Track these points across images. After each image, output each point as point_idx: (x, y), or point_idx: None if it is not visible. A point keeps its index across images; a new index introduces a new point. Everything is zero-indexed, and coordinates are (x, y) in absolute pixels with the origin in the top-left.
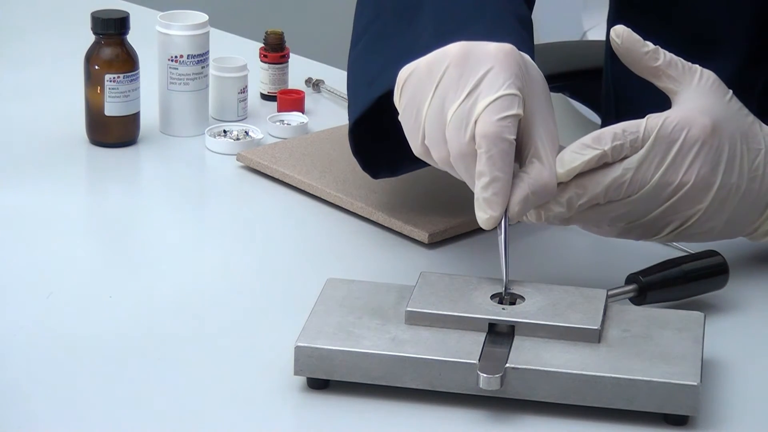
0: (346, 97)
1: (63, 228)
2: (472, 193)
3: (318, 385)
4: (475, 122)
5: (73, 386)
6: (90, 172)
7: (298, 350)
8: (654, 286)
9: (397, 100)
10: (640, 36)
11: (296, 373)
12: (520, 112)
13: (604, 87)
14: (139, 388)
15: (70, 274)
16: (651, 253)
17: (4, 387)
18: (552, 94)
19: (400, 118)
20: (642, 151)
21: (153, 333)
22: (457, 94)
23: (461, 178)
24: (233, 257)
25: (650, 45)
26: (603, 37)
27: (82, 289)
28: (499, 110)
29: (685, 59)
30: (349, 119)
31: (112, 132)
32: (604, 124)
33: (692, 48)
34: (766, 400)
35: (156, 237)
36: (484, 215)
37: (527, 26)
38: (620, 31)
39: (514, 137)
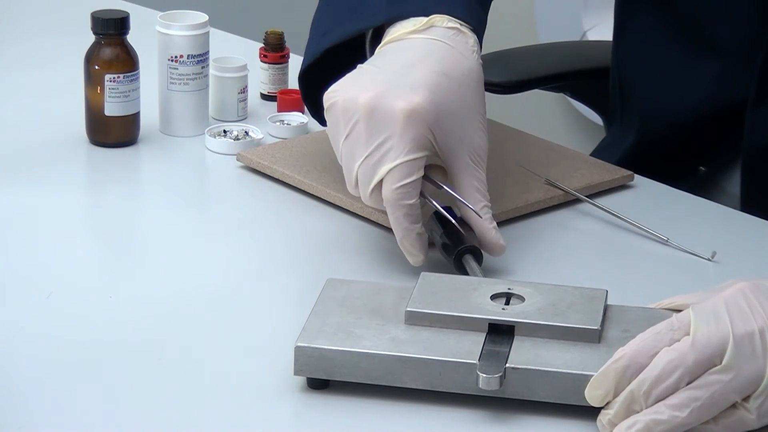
0: None
1: (63, 228)
2: None
3: (318, 385)
4: (378, 182)
5: (73, 386)
6: (90, 172)
7: (298, 350)
8: (468, 239)
9: (326, 117)
10: (644, 36)
11: (296, 373)
12: (420, 173)
13: (610, 86)
14: (139, 388)
15: (70, 274)
16: (649, 252)
17: (4, 387)
18: (552, 94)
19: (327, 131)
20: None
21: (153, 333)
22: (362, 151)
23: None
24: (233, 257)
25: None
26: (603, 37)
27: (82, 289)
28: (398, 178)
29: (683, 55)
30: (301, 66)
31: (112, 132)
32: (608, 124)
33: (691, 44)
34: None
35: (156, 237)
36: (411, 259)
37: None
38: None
39: (414, 200)
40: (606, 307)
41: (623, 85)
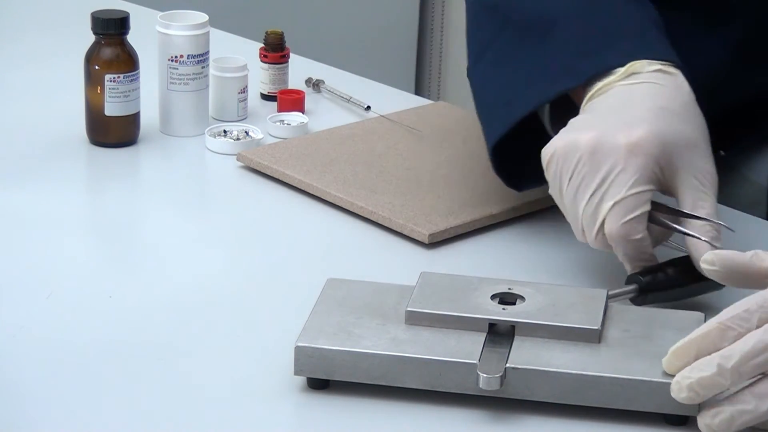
0: (345, 96)
1: (63, 228)
2: (472, 194)
3: (318, 385)
4: (603, 221)
5: (72, 386)
6: (90, 172)
7: (298, 350)
8: (654, 287)
9: (546, 174)
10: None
11: (296, 373)
12: (646, 207)
13: None
14: (139, 388)
15: (70, 274)
16: None
17: (4, 387)
18: None
19: (549, 191)
20: None
21: (153, 333)
22: (587, 190)
23: None
24: (233, 257)
25: (747, 253)
26: None
27: (82, 289)
28: (624, 213)
29: (695, 27)
30: (487, 139)
31: (112, 132)
32: None
33: (702, 14)
34: None
35: (156, 237)
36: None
37: (661, 27)
38: (711, 258)
39: (641, 234)
40: (606, 307)
41: None
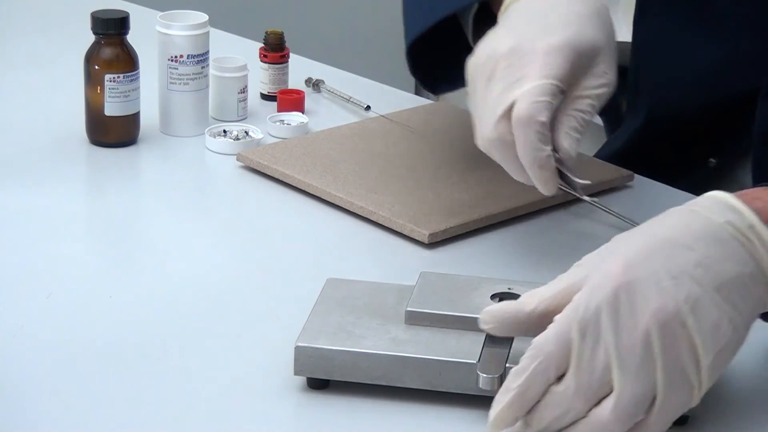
0: (345, 96)
1: (63, 228)
2: (472, 194)
3: (318, 385)
4: (510, 106)
5: (72, 386)
6: (90, 172)
7: (298, 350)
8: None
9: (468, 84)
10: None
11: (296, 373)
12: (555, 100)
13: (628, 78)
14: (139, 388)
15: (70, 274)
16: None
17: (4, 387)
18: None
19: (468, 103)
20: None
21: (153, 333)
22: (501, 84)
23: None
24: (233, 257)
25: (515, 301)
26: None
27: (82, 289)
28: (533, 95)
29: (695, 36)
30: (406, 39)
31: (112, 132)
32: (609, 125)
33: (696, 15)
34: (765, 399)
35: (156, 237)
36: (542, 187)
37: None
38: (485, 317)
39: (546, 118)
40: None
41: (639, 68)
